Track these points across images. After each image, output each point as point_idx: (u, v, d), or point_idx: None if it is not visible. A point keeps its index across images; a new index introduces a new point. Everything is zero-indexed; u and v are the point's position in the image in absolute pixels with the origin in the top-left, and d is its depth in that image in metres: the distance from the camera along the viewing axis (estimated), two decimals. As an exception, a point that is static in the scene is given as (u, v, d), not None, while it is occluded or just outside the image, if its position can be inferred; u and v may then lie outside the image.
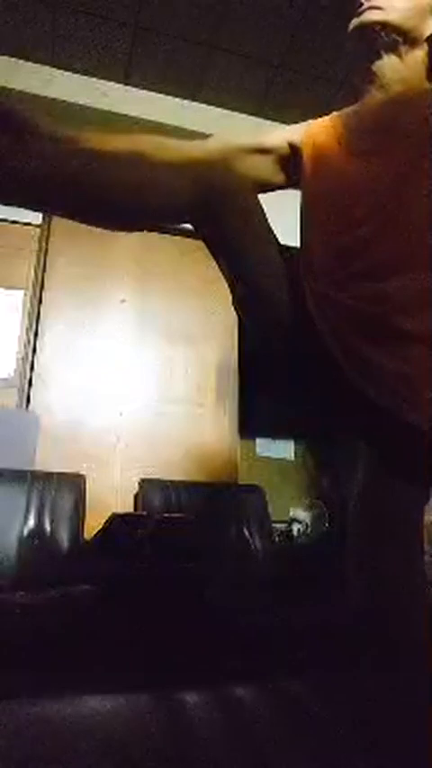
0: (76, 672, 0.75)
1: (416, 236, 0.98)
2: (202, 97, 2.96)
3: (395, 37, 1.09)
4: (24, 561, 1.99)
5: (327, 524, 3.20)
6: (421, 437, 0.90)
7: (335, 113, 1.20)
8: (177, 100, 2.95)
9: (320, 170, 1.13)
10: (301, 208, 1.17)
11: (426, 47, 1.12)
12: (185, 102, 2.96)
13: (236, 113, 3.03)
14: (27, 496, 2.11)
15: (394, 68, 1.11)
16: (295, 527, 3.18)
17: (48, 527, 2.08)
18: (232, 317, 2.96)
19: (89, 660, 0.82)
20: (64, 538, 2.08)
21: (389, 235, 0.98)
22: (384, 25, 1.09)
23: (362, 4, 1.10)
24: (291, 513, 3.26)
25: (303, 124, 1.22)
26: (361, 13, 1.10)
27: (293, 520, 3.22)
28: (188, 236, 2.97)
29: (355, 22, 1.11)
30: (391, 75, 1.11)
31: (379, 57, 1.11)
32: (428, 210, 0.98)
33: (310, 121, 1.22)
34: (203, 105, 2.99)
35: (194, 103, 2.97)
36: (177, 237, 2.97)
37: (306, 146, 1.17)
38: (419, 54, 1.12)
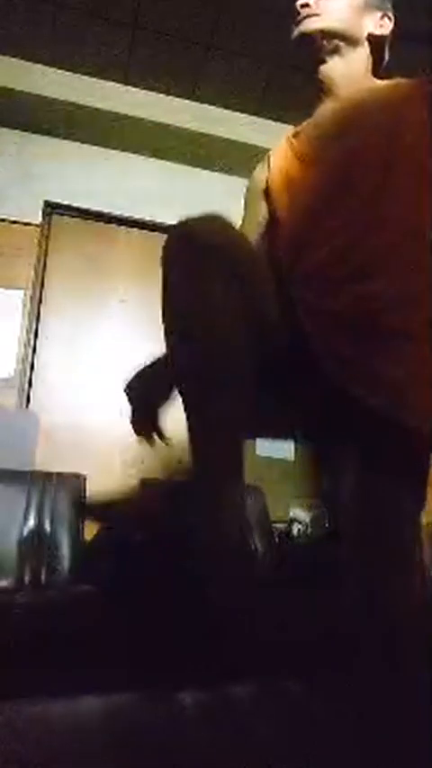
0: (76, 672, 0.75)
1: (394, 236, 0.97)
2: (202, 97, 2.96)
3: (336, 42, 1.10)
4: (24, 561, 1.99)
5: (327, 524, 3.19)
6: (417, 436, 0.90)
7: (291, 130, 1.20)
8: (177, 100, 2.95)
9: (287, 190, 1.13)
10: (272, 227, 1.16)
11: (367, 45, 1.12)
12: (185, 102, 2.96)
13: (236, 113, 3.03)
14: (27, 496, 2.11)
15: (339, 71, 1.12)
16: (295, 527, 3.18)
17: (48, 527, 2.08)
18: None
19: (89, 660, 0.82)
20: (64, 538, 2.08)
21: (366, 239, 0.97)
22: (324, 32, 1.09)
23: (299, 13, 1.10)
24: (291, 513, 3.25)
25: (263, 166, 1.22)
26: (300, 22, 1.10)
27: (293, 520, 3.21)
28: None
29: (296, 32, 1.11)
30: (338, 78, 1.12)
31: (323, 62, 1.12)
32: (406, 209, 0.97)
33: (272, 150, 1.22)
34: (203, 105, 2.99)
35: (194, 103, 2.97)
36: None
37: (271, 174, 1.17)
38: (362, 52, 1.12)
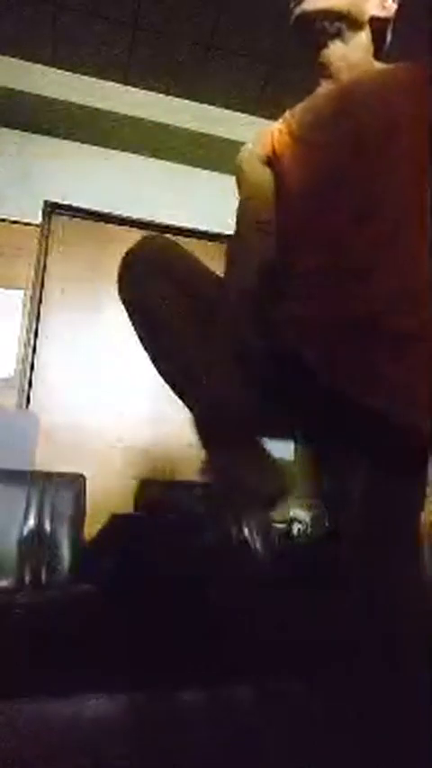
0: (76, 672, 0.75)
1: (390, 229, 0.95)
2: (202, 97, 2.96)
3: (338, 24, 1.05)
4: (24, 561, 1.99)
5: (327, 524, 3.19)
6: (417, 435, 0.90)
7: (287, 112, 1.17)
8: (177, 100, 2.95)
9: (288, 176, 1.10)
10: (278, 219, 1.12)
11: (368, 28, 1.08)
12: (185, 102, 2.96)
13: (236, 113, 3.03)
14: (27, 496, 2.11)
15: (341, 55, 1.07)
16: (295, 527, 3.18)
17: (48, 527, 2.08)
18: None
19: (89, 660, 0.82)
20: (64, 538, 2.08)
21: (363, 235, 0.95)
22: (326, 12, 1.04)
23: None
24: (291, 513, 3.25)
25: (263, 136, 1.19)
26: (300, 2, 1.05)
27: (293, 520, 3.21)
28: (187, 236, 2.97)
29: (297, 11, 1.05)
30: (338, 62, 1.08)
31: (324, 46, 1.07)
32: (402, 199, 0.96)
33: (267, 130, 1.18)
34: (203, 105, 2.99)
35: (194, 103, 2.97)
36: (178, 238, 2.97)
37: (272, 157, 1.14)
38: (363, 36, 1.08)
